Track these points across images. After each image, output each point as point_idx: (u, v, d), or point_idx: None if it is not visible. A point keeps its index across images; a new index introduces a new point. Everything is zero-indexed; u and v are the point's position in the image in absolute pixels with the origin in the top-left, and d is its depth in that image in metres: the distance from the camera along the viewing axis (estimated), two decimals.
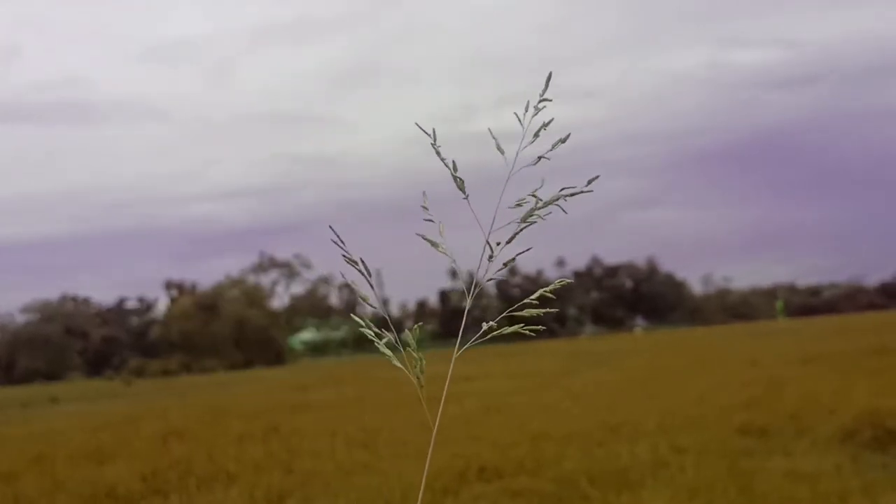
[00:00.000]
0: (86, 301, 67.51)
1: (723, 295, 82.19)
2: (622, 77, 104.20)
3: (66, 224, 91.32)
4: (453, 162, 1.15)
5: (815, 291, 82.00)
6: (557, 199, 1.14)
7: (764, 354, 19.45)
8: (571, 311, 75.01)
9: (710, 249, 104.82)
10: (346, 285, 1.19)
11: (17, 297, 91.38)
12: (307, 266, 71.21)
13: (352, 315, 1.19)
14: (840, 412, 9.19)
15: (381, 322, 1.21)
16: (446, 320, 65.42)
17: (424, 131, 1.13)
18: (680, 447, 8.21)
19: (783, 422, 9.29)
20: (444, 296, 71.39)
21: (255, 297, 61.92)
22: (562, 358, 25.77)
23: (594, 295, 76.89)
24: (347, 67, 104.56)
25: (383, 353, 1.14)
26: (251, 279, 67.00)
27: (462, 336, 1.16)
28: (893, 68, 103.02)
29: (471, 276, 1.16)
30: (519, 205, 1.14)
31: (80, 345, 60.84)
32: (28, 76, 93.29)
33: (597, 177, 1.12)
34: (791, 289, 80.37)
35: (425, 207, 1.17)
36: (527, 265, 71.25)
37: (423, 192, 1.17)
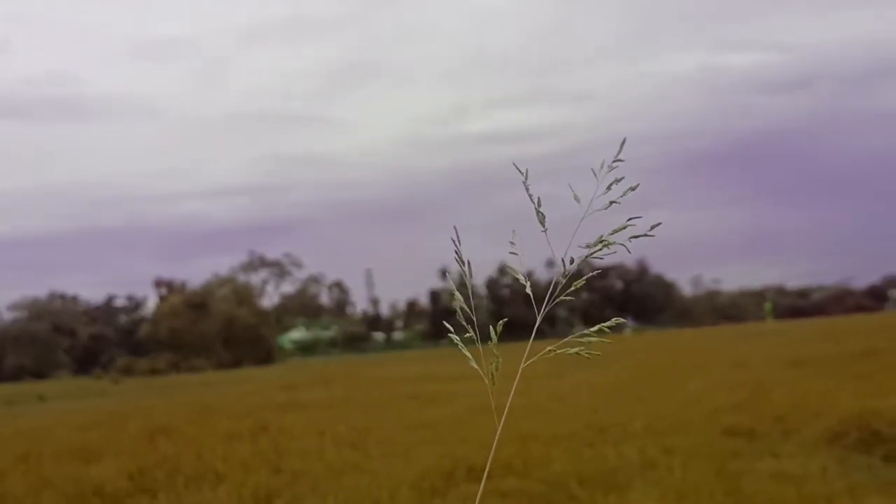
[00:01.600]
0: (74, 299, 67.23)
1: (712, 296, 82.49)
2: (618, 79, 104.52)
3: (54, 221, 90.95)
4: (538, 198, 1.25)
5: (803, 293, 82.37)
6: (625, 235, 1.26)
7: (752, 357, 19.53)
8: (561, 312, 75.12)
9: (699, 251, 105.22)
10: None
11: (4, 295, 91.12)
12: (297, 265, 71.14)
13: (444, 323, 1.27)
14: (827, 414, 9.24)
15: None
16: (436, 320, 65.39)
17: (519, 170, 1.22)
18: (668, 449, 8.23)
19: (771, 424, 9.33)
20: (434, 296, 71.36)
21: (245, 296, 61.76)
22: (550, 359, 25.81)
23: (584, 296, 77.02)
24: (341, 67, 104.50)
25: (462, 352, 1.20)
26: (241, 278, 66.89)
27: (531, 343, 1.26)
28: (887, 72, 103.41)
29: (554, 282, 1.27)
30: (588, 246, 1.27)
31: (68, 343, 60.55)
32: (17, 72, 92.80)
33: (659, 223, 1.23)
34: (780, 291, 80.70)
35: (513, 243, 1.27)
36: (517, 266, 71.25)
37: (513, 231, 1.27)
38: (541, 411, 12.06)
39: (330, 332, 70.39)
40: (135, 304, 68.83)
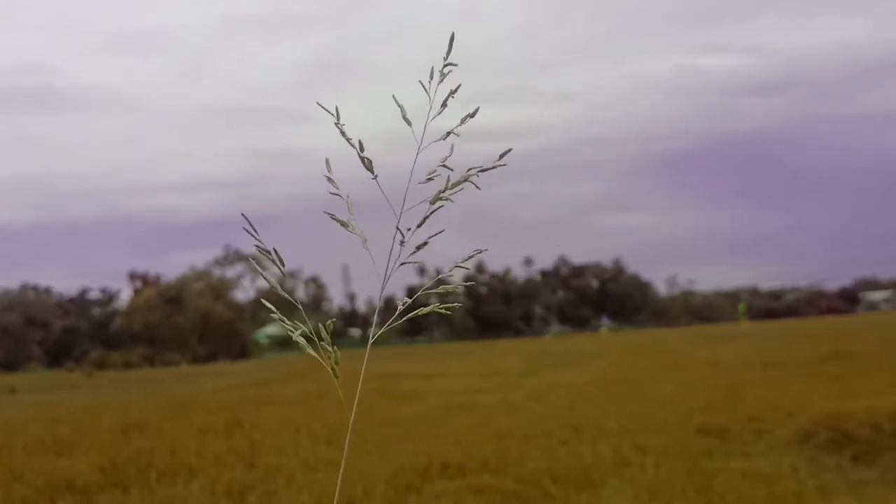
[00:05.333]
0: (47, 291, 66.50)
1: (687, 297, 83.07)
2: (595, 80, 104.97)
3: (27, 212, 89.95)
4: (359, 142, 1.09)
5: (777, 295, 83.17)
6: (468, 178, 1.08)
7: (726, 357, 19.68)
8: (538, 311, 75.34)
9: (675, 252, 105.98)
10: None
11: None
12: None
13: (262, 301, 1.18)
14: (798, 415, 9.35)
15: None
16: (413, 318, 65.07)
17: (326, 110, 1.08)
18: (641, 447, 8.29)
19: (743, 424, 9.42)
20: (410, 293, 71.15)
21: (220, 290, 61.34)
22: (526, 357, 25.86)
23: (560, 294, 77.29)
24: (320, 62, 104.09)
25: (298, 344, 1.14)
26: (216, 272, 66.47)
27: (384, 326, 1.15)
28: (861, 77, 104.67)
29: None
30: (430, 179, 1.09)
31: (41, 335, 59.87)
32: None
33: (509, 150, 1.07)
34: (754, 292, 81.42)
35: (330, 178, 1.10)
36: (494, 264, 71.38)
37: (326, 160, 1.09)
38: (516, 410, 12.11)
39: (306, 328, 70.00)
40: (108, 297, 68.22)
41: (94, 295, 68.49)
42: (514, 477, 7.32)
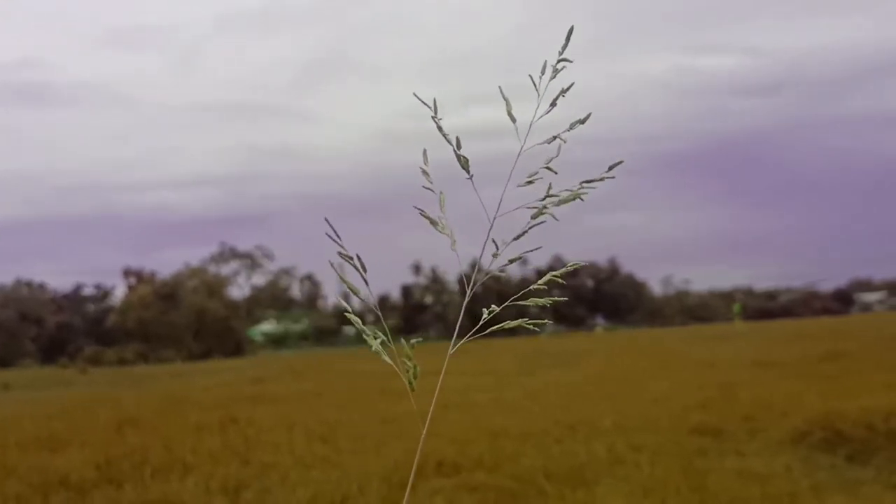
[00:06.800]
0: (41, 286, 66.32)
1: (682, 297, 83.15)
2: (592, 80, 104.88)
3: (21, 208, 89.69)
4: (457, 139, 1.00)
5: (771, 296, 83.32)
6: (578, 195, 1.00)
7: (720, 357, 19.72)
8: (532, 310, 75.39)
9: (671, 252, 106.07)
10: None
11: None
12: (269, 257, 70.80)
13: (346, 314, 1.10)
14: (793, 415, 9.37)
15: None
16: (408, 316, 65.28)
17: (425, 103, 1.01)
18: (636, 446, 8.31)
19: (737, 423, 9.44)
20: (406, 291, 71.27)
21: (215, 287, 61.26)
22: (521, 357, 25.88)
23: (555, 293, 77.31)
24: (317, 59, 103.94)
25: (378, 354, 1.06)
26: (211, 269, 66.39)
27: (458, 331, 1.06)
28: (859, 78, 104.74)
29: (469, 269, 1.07)
30: (530, 182, 1.00)
31: (35, 331, 59.71)
32: None
33: (620, 162, 1.00)
34: (748, 292, 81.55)
35: (425, 171, 1.00)
36: (490, 262, 71.38)
37: (424, 151, 1.00)
38: (512, 408, 12.12)
39: (301, 325, 70.06)
40: (103, 294, 68.06)
41: (88, 291, 68.36)
42: (508, 475, 7.33)
